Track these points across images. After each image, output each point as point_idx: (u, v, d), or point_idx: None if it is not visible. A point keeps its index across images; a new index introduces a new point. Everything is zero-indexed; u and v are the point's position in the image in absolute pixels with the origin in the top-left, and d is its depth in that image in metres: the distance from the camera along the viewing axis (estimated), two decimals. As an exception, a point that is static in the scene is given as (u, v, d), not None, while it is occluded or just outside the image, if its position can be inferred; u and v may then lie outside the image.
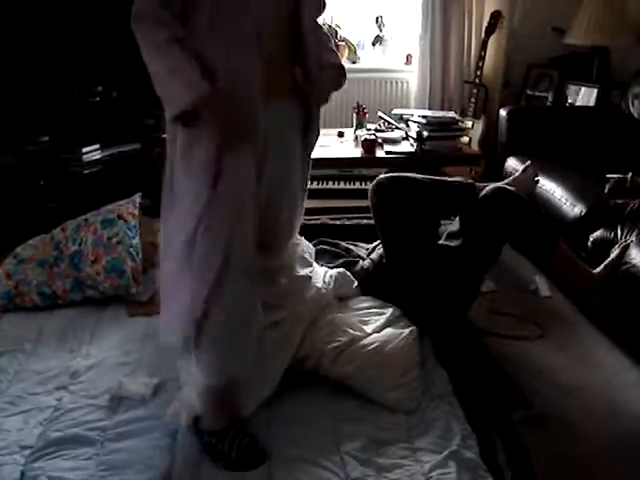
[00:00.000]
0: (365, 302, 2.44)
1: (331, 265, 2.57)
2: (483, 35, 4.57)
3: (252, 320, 1.86)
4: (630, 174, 3.02)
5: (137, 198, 2.95)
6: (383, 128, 3.84)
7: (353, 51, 4.87)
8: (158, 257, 1.95)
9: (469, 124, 4.50)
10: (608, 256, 2.62)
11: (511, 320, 2.73)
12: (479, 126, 4.55)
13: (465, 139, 4.17)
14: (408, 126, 3.75)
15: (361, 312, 2.37)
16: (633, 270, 2.49)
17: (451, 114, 3.79)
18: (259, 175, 1.86)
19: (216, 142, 1.73)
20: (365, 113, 3.82)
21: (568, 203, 3.07)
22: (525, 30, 4.63)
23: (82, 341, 2.42)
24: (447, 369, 2.24)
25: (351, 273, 2.52)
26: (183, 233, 1.79)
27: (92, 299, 2.68)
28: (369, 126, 3.81)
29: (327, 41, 2.09)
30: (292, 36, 1.91)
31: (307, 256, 2.38)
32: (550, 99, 4.58)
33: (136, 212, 2.86)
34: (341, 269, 2.52)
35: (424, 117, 3.60)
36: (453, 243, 2.48)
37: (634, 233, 2.66)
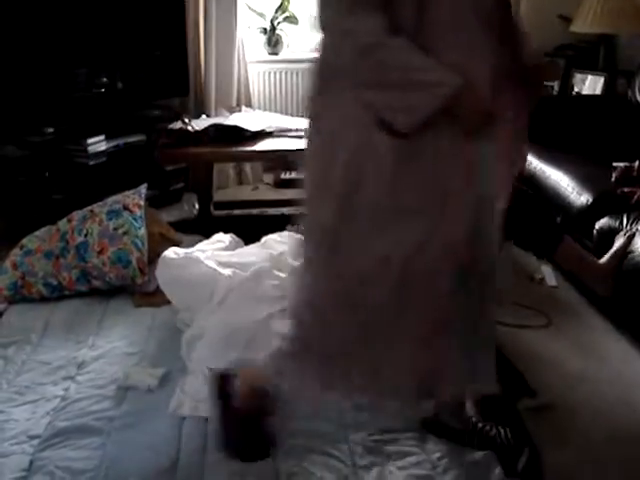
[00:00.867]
0: None
1: None
2: (489, 23, 4.55)
3: None
4: (637, 162, 3.00)
5: (143, 189, 2.95)
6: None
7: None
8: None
9: (475, 113, 4.48)
10: (613, 244, 2.61)
11: (517, 309, 2.72)
12: (485, 115, 4.53)
13: (471, 128, 4.15)
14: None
15: None
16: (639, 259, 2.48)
17: (457, 104, 3.76)
18: None
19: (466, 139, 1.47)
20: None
21: (575, 192, 3.06)
22: (531, 18, 4.58)
23: (88, 332, 2.43)
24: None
25: None
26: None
27: (98, 290, 2.69)
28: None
29: None
30: None
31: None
32: (556, 88, 4.56)
33: (142, 203, 2.86)
34: None
35: (429, 106, 3.58)
36: None
37: None
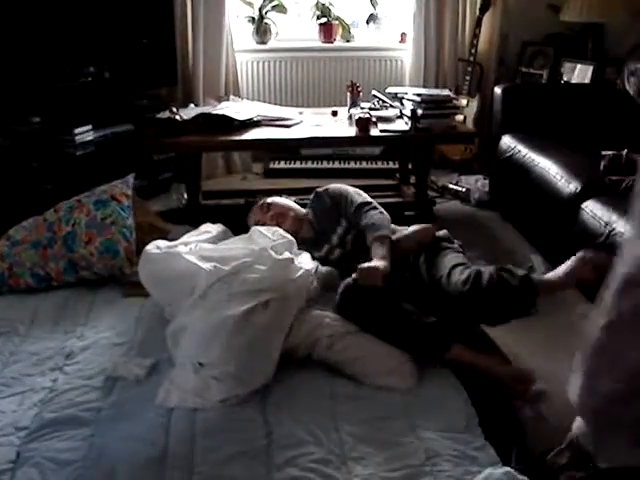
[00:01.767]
0: None
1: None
2: (477, 12, 4.55)
3: None
4: (625, 151, 3.01)
5: (130, 179, 2.93)
6: (377, 106, 3.81)
7: (347, 30, 4.84)
8: None
9: (464, 102, 4.49)
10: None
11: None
12: (474, 104, 4.54)
13: (460, 117, 4.16)
14: (402, 104, 3.73)
15: None
16: (617, 239, 2.50)
17: (446, 92, 3.76)
18: None
19: None
20: (359, 92, 3.79)
21: (563, 180, 3.06)
22: (520, 7, 4.61)
23: (76, 322, 2.41)
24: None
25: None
26: None
27: (86, 280, 2.67)
28: (363, 105, 3.78)
29: None
30: None
31: (283, 243, 2.35)
32: (545, 77, 4.56)
33: (129, 193, 2.85)
34: (332, 268, 2.49)
35: (418, 95, 3.58)
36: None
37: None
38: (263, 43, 4.75)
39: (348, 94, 3.80)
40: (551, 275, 2.27)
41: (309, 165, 4.61)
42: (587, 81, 4.26)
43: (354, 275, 2.23)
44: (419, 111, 3.50)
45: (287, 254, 2.26)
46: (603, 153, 3.06)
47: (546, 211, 3.20)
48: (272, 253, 2.21)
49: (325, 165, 4.59)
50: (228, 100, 4.02)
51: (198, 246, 2.39)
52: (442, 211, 3.96)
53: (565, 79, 4.44)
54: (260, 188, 4.18)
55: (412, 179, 4.05)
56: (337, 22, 4.79)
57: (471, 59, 4.57)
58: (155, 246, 2.38)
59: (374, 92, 3.93)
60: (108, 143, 3.86)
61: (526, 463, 1.75)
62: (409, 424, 1.88)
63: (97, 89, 3.87)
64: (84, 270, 2.65)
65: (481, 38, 4.57)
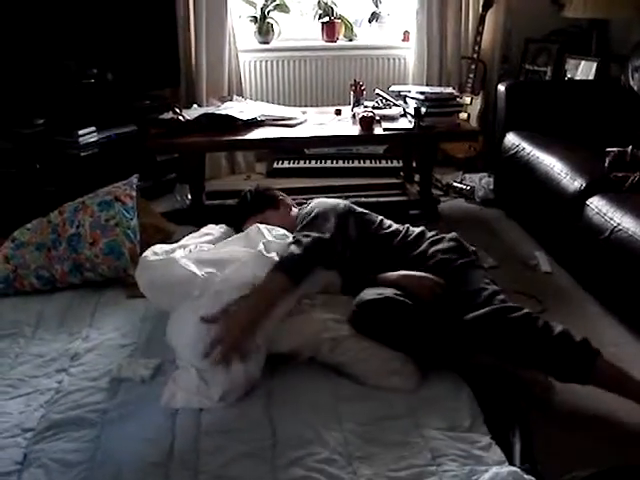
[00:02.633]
0: None
1: None
2: (480, 10, 4.54)
3: None
4: (630, 147, 3.00)
5: (134, 180, 2.93)
6: (381, 105, 3.81)
7: (350, 28, 4.83)
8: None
9: (467, 100, 4.48)
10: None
11: (511, 296, 2.71)
12: (477, 102, 4.53)
13: (464, 115, 4.15)
14: (406, 103, 3.72)
15: None
16: (624, 237, 2.49)
17: (449, 90, 3.75)
18: None
19: None
20: (362, 90, 3.79)
21: (568, 177, 3.05)
22: (523, 4, 4.59)
23: (82, 324, 2.41)
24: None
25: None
26: None
27: (91, 282, 2.67)
28: (367, 103, 3.78)
29: None
30: None
31: (278, 242, 2.28)
32: (549, 73, 4.55)
33: (133, 194, 2.85)
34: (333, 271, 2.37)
35: (422, 93, 3.57)
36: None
37: None
38: (266, 43, 4.74)
39: (351, 93, 3.80)
40: None
41: (313, 164, 4.60)
42: (591, 78, 4.25)
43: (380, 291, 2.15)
44: (423, 109, 3.49)
45: (274, 254, 2.17)
46: (608, 150, 3.05)
47: (551, 208, 3.19)
48: (262, 251, 2.19)
49: (329, 164, 4.59)
50: (231, 100, 4.02)
51: (197, 247, 2.39)
52: (447, 209, 3.96)
53: (569, 76, 4.43)
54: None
55: (416, 177, 4.05)
56: (340, 21, 4.79)
57: (474, 56, 4.56)
58: (152, 252, 2.34)
59: (377, 91, 3.93)
60: (112, 144, 3.86)
61: (532, 462, 1.75)
62: (414, 423, 1.87)
63: (100, 90, 3.88)
64: (89, 271, 2.65)
65: (484, 35, 4.56)
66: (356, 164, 4.60)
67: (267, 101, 4.51)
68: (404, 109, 3.72)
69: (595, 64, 4.25)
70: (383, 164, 4.59)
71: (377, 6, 4.83)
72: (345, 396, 1.99)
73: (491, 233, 3.64)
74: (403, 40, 4.83)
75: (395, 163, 4.52)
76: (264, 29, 4.72)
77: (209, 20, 4.33)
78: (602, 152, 3.06)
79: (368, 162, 4.60)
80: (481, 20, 4.53)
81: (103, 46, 3.89)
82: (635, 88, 3.71)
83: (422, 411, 1.92)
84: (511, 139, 3.67)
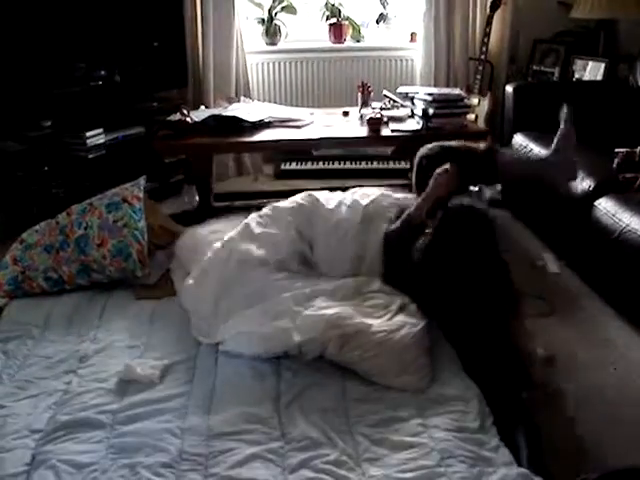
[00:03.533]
0: (374, 284, 2.42)
1: None
2: (488, 11, 4.52)
3: None
4: (639, 148, 2.99)
5: (142, 181, 2.93)
6: (388, 106, 3.80)
7: (357, 30, 4.83)
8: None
9: (475, 101, 4.47)
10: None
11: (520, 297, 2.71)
12: (485, 103, 4.51)
13: (471, 116, 4.14)
14: (414, 104, 3.71)
15: (370, 300, 2.35)
16: (633, 237, 2.48)
17: (457, 91, 3.75)
18: None
19: None
20: (370, 92, 3.78)
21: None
22: (530, 5, 4.58)
23: (90, 325, 2.41)
24: (455, 347, 2.22)
25: None
26: None
27: (99, 283, 2.68)
28: (374, 105, 3.77)
29: None
30: None
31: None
32: (557, 74, 4.54)
33: (141, 195, 2.85)
34: None
35: (430, 94, 3.56)
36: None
37: None
38: (273, 44, 4.75)
39: (359, 94, 3.80)
40: None
41: (320, 166, 4.60)
42: (599, 78, 4.23)
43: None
44: (430, 110, 3.49)
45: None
46: (616, 150, 3.04)
47: (559, 209, 3.18)
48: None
49: (336, 166, 4.58)
50: (239, 102, 4.03)
51: None
52: (454, 210, 3.93)
53: (577, 77, 4.41)
54: (271, 189, 4.18)
55: (424, 179, 4.03)
56: (347, 22, 4.78)
57: (482, 57, 4.55)
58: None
59: (385, 92, 3.92)
60: (119, 146, 3.87)
61: (541, 464, 1.74)
62: (423, 425, 1.87)
63: (108, 92, 3.88)
64: (97, 273, 2.65)
65: (492, 36, 4.55)
66: (364, 165, 4.59)
67: (274, 102, 4.51)
68: (412, 110, 3.71)
69: (603, 65, 4.24)
70: (391, 165, 4.58)
71: (384, 7, 4.82)
72: (354, 398, 1.99)
73: (499, 234, 3.62)
74: (410, 41, 4.82)
75: (403, 164, 4.51)
76: (271, 31, 4.72)
77: (216, 22, 4.34)
78: (611, 153, 3.05)
79: (376, 163, 4.59)
80: (488, 21, 4.52)
81: (111, 48, 3.90)
82: (643, 88, 3.70)
83: (431, 412, 1.92)
84: (519, 140, 3.65)
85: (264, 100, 4.56)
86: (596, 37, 4.40)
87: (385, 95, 3.89)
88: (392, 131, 3.52)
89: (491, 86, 4.60)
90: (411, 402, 1.96)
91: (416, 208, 2.47)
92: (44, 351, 2.26)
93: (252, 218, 2.66)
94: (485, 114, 4.51)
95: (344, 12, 4.79)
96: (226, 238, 2.56)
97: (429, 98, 3.54)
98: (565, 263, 3.03)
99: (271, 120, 3.63)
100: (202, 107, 4.01)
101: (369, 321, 2.18)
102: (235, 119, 3.53)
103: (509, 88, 3.87)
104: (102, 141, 3.80)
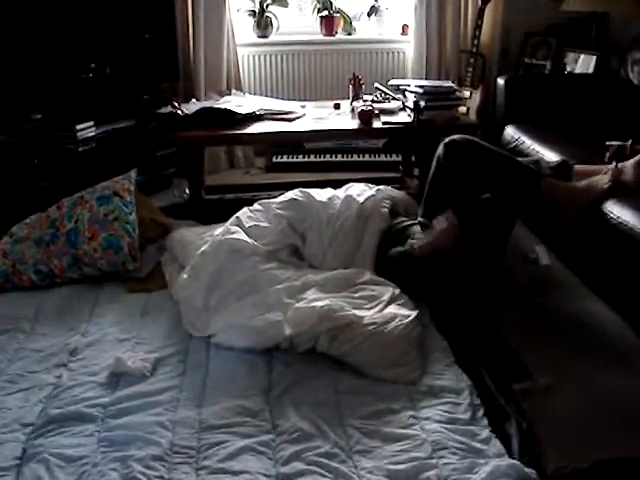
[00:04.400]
0: (365, 276, 2.43)
1: None
2: (480, 3, 4.51)
3: None
4: (630, 141, 2.99)
5: (133, 174, 2.92)
6: (380, 99, 3.79)
7: (348, 22, 4.82)
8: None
9: (467, 94, 4.46)
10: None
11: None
12: (477, 95, 4.51)
13: (463, 109, 4.14)
14: (405, 96, 3.71)
15: (361, 291, 2.35)
16: (624, 230, 2.49)
17: (448, 84, 3.74)
18: None
19: None
20: (361, 84, 3.78)
21: (567, 171, 3.04)
22: (522, -2, 4.58)
23: (81, 319, 2.41)
24: (447, 339, 2.23)
25: None
26: None
27: (90, 276, 2.67)
28: (365, 97, 3.76)
29: None
30: None
31: None
32: (548, 67, 4.54)
33: (132, 188, 2.84)
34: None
35: (421, 87, 3.56)
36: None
37: None
38: (264, 37, 4.73)
39: (350, 87, 3.79)
40: None
41: (312, 159, 4.59)
42: (590, 71, 4.24)
43: None
44: (422, 103, 3.48)
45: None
46: (608, 143, 3.04)
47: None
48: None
49: (328, 158, 4.57)
50: (230, 94, 4.01)
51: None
52: (446, 203, 3.94)
53: (568, 69, 4.42)
54: (263, 182, 4.18)
55: (416, 171, 4.04)
56: (338, 15, 4.77)
57: (473, 50, 4.54)
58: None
59: (376, 85, 3.92)
60: (110, 139, 3.85)
61: (531, 454, 1.75)
62: (414, 417, 1.87)
63: (98, 85, 3.86)
64: (87, 266, 2.65)
65: (483, 29, 4.54)
66: (355, 158, 4.58)
67: (266, 95, 4.49)
68: (403, 103, 3.70)
69: (594, 57, 4.25)
70: (382, 158, 4.57)
71: (376, 0, 4.81)
72: (345, 390, 1.99)
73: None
74: (402, 34, 4.81)
75: (394, 157, 4.51)
76: (263, 23, 4.70)
77: (207, 14, 4.32)
78: (602, 146, 3.05)
79: (367, 156, 4.59)
80: (480, 14, 4.51)
81: (101, 40, 3.88)
82: (634, 81, 3.70)
83: (422, 404, 1.93)
84: (510, 132, 3.66)
85: (255, 93, 4.55)
86: (588, 30, 4.41)
87: (376, 88, 3.88)
88: (383, 124, 3.51)
89: (483, 79, 4.60)
90: (403, 394, 1.97)
91: (421, 250, 2.47)
92: (35, 345, 2.26)
93: (243, 212, 2.66)
94: (476, 107, 4.51)
95: (335, 4, 4.77)
96: (217, 232, 2.56)
97: (420, 91, 3.54)
98: (556, 256, 3.03)
99: (262, 113, 3.62)
100: (193, 100, 3.99)
101: (360, 313, 2.18)
102: (226, 112, 3.52)
103: (500, 81, 3.87)
104: (93, 134, 3.77)
